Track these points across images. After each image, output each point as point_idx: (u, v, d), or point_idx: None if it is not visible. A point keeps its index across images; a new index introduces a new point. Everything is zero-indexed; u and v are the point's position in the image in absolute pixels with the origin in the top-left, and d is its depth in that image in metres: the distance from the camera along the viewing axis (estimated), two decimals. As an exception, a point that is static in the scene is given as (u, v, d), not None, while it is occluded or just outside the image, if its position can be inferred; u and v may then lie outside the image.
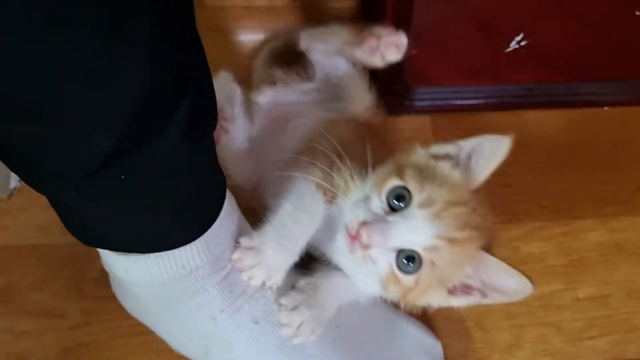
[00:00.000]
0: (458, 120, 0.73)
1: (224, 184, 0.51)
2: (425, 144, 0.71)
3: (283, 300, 0.50)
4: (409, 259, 0.43)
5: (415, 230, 0.42)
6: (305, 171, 0.49)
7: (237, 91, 0.62)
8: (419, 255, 0.43)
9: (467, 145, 0.45)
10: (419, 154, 0.47)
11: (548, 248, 0.66)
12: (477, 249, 0.44)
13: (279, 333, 0.50)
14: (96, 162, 0.40)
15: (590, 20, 0.66)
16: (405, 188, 0.43)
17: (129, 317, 0.59)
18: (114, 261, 0.49)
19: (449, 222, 0.42)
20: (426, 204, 0.42)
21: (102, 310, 0.61)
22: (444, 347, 0.60)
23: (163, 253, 0.47)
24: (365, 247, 0.43)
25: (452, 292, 0.46)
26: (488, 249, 0.45)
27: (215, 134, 0.52)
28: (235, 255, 0.48)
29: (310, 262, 0.56)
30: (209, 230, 0.48)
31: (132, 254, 0.48)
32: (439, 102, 0.72)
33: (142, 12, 0.35)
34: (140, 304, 0.54)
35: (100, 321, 0.61)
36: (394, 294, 0.46)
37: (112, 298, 0.59)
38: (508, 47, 0.68)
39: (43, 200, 0.50)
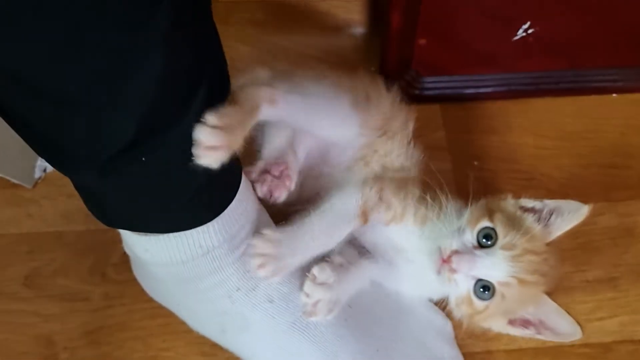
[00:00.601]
0: (467, 109, 0.75)
1: (239, 167, 0.54)
2: (435, 132, 0.73)
3: (315, 271, 0.52)
4: (484, 288, 0.51)
5: (496, 266, 0.50)
6: (356, 190, 0.54)
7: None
8: (493, 286, 0.51)
9: (551, 204, 0.54)
10: (509, 203, 0.55)
11: (557, 232, 0.67)
12: (541, 293, 0.53)
13: (297, 303, 0.52)
14: (118, 145, 0.42)
15: (596, 6, 0.66)
16: (494, 229, 0.51)
17: (149, 300, 0.61)
18: (134, 242, 0.52)
19: (523, 266, 0.50)
20: (508, 247, 0.50)
21: (124, 294, 0.64)
22: (454, 327, 0.61)
23: (181, 233, 0.49)
24: (453, 271, 0.51)
25: (512, 322, 0.55)
26: (550, 293, 0.55)
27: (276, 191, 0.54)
28: (254, 242, 0.50)
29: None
30: (225, 211, 0.50)
31: (152, 234, 0.50)
32: (448, 91, 0.74)
33: (165, 5, 0.38)
34: (159, 284, 0.56)
35: (121, 304, 0.63)
36: (462, 312, 0.53)
37: (133, 282, 0.62)
38: (515, 35, 0.69)
39: (66, 189, 0.52)
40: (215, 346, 0.59)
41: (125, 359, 0.61)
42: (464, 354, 0.60)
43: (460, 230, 0.52)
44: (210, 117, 0.43)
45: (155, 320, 0.62)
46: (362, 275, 0.56)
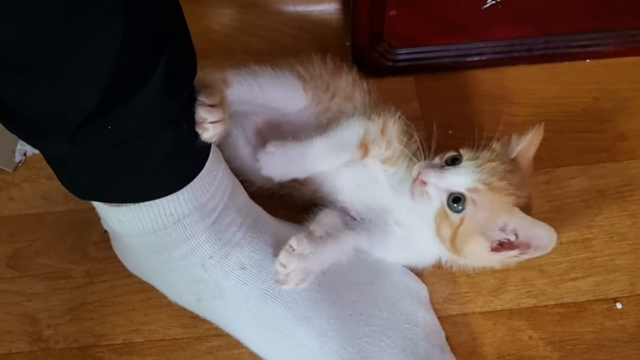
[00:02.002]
0: (441, 79, 0.75)
1: None
2: (410, 103, 0.74)
3: (292, 242, 0.53)
4: (456, 200, 0.53)
5: (462, 175, 0.53)
6: (360, 122, 0.58)
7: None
8: (464, 196, 0.52)
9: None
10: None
11: (531, 196, 0.68)
12: (512, 205, 0.52)
13: (270, 270, 0.54)
14: (84, 114, 0.43)
15: (563, -29, 0.67)
16: (459, 154, 0.55)
17: (129, 276, 0.63)
18: (108, 214, 0.53)
19: (489, 171, 0.53)
20: (472, 158, 0.54)
21: (105, 271, 0.65)
22: (431, 292, 0.62)
23: (152, 202, 0.50)
24: (423, 184, 0.53)
25: (495, 249, 0.54)
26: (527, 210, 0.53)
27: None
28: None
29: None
30: (195, 179, 0.51)
31: (124, 205, 0.51)
32: (421, 62, 0.74)
33: None
34: (135, 257, 0.57)
35: (103, 281, 0.65)
36: (444, 233, 0.54)
37: (114, 259, 0.63)
38: (485, 3, 0.69)
39: (46, 171, 0.54)
40: (195, 318, 0.60)
41: (107, 334, 0.62)
42: (440, 318, 0.61)
43: (429, 159, 0.57)
44: (204, 98, 0.51)
45: (137, 296, 0.63)
46: (342, 247, 0.57)
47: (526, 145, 0.56)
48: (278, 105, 0.61)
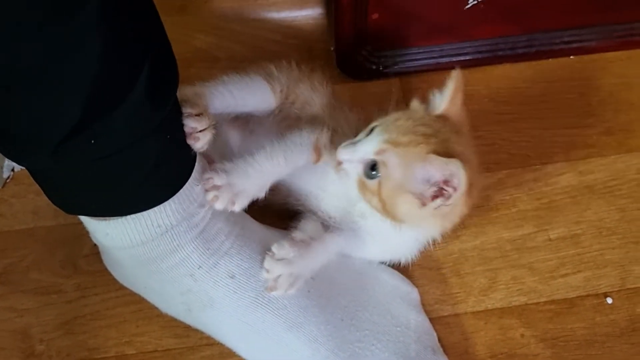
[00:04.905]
0: (426, 81, 0.75)
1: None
2: (396, 106, 0.74)
3: (274, 248, 0.54)
4: (372, 168, 0.53)
5: (370, 141, 0.53)
6: (313, 129, 0.58)
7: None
8: (375, 161, 0.52)
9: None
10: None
11: (519, 194, 0.68)
12: (424, 152, 0.51)
13: (259, 278, 0.54)
14: (66, 129, 0.43)
15: (543, -31, 0.67)
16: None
17: (120, 288, 0.62)
18: (95, 228, 0.53)
19: (394, 130, 0.53)
20: (382, 123, 0.54)
21: (96, 284, 0.65)
22: (422, 294, 0.62)
23: (139, 214, 0.50)
24: (339, 162, 0.54)
25: (423, 202, 0.52)
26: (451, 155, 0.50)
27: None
28: (207, 175, 0.53)
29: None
30: (181, 190, 0.51)
31: (111, 218, 0.51)
32: (406, 64, 0.74)
33: None
34: (125, 269, 0.57)
35: (94, 294, 0.64)
36: (374, 203, 0.54)
37: (105, 272, 0.63)
38: (467, 3, 0.70)
39: (35, 187, 0.54)
40: (188, 328, 0.60)
41: (100, 347, 0.62)
42: (432, 319, 0.61)
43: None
44: (189, 109, 0.52)
45: (128, 307, 0.63)
46: (325, 250, 0.57)
47: (450, 97, 0.55)
48: (249, 109, 0.62)
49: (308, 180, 0.60)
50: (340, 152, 0.54)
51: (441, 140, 0.51)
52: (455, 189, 0.50)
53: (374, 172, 0.52)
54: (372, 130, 0.54)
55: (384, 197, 0.52)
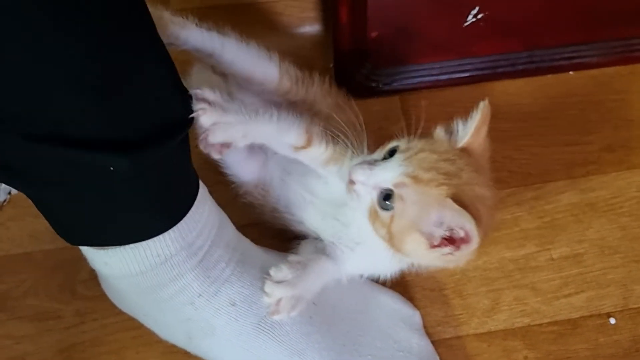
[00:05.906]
0: (427, 98, 0.75)
1: (195, 175, 0.54)
2: (396, 123, 0.74)
3: (272, 272, 0.53)
4: (386, 197, 0.50)
5: (389, 169, 0.50)
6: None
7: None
8: (392, 192, 0.49)
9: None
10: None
11: (521, 212, 0.68)
12: (443, 195, 0.48)
13: (260, 304, 0.53)
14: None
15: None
16: (399, 144, 0.52)
17: (120, 313, 0.61)
18: (93, 256, 0.52)
19: (416, 163, 0.49)
20: (404, 150, 0.51)
21: (95, 309, 0.64)
22: (424, 316, 0.62)
23: (138, 244, 0.50)
24: (352, 183, 0.51)
25: (434, 246, 0.49)
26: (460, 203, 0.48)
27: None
28: (200, 106, 0.51)
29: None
30: (182, 219, 0.51)
31: (109, 247, 0.50)
32: (406, 82, 0.74)
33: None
34: (124, 296, 0.56)
35: (93, 319, 0.64)
36: (380, 232, 0.51)
37: (103, 297, 0.62)
38: (466, 21, 0.69)
39: (32, 210, 0.53)
40: (187, 355, 0.59)
41: (100, 373, 0.61)
42: (434, 342, 0.61)
43: (366, 154, 0.54)
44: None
45: (128, 333, 0.63)
46: (325, 270, 0.56)
47: (475, 129, 0.52)
48: (247, 75, 0.62)
49: (296, 190, 0.59)
50: (355, 171, 0.50)
51: (463, 183, 0.49)
52: (467, 242, 0.47)
53: (387, 203, 0.49)
54: (390, 152, 0.51)
55: (393, 231, 0.50)
